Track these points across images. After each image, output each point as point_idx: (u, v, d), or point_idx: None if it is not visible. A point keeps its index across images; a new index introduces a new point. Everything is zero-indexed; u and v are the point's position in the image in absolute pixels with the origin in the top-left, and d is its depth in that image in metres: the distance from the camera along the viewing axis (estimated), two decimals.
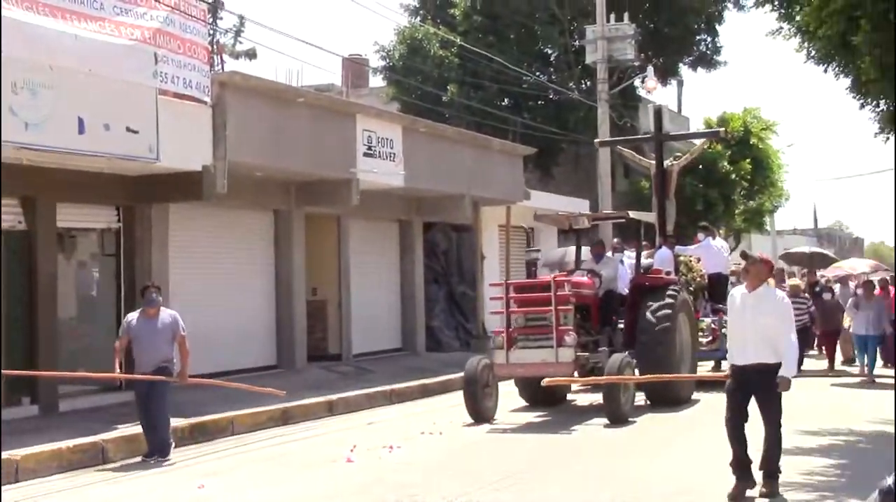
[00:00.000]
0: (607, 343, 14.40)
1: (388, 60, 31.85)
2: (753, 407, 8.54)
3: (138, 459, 11.06)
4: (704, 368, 16.69)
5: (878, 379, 17.41)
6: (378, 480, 9.69)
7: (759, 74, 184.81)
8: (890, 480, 6.23)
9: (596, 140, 22.49)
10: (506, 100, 32.49)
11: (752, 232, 38.48)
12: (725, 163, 31.36)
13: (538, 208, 22.73)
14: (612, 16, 28.03)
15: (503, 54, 29.28)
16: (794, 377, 8.39)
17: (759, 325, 8.32)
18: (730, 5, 33.23)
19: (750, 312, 8.40)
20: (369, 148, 18.14)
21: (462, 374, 13.83)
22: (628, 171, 33.43)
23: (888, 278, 23.18)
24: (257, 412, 13.50)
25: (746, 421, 8.46)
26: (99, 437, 11.27)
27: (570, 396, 15.63)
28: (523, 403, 14.87)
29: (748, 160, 32.09)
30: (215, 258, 16.94)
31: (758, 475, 8.44)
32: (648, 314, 14.31)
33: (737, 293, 8.75)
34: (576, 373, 13.82)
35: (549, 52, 33.77)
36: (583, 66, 30.78)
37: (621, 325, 14.94)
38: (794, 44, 12.75)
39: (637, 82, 31.11)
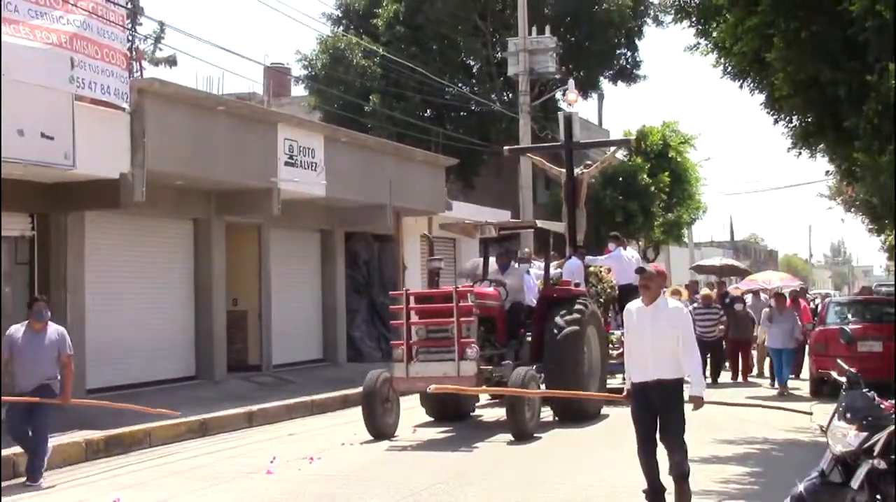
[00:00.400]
0: (514, 356, 13.94)
1: (310, 69, 31.70)
2: None
3: (51, 472, 10.80)
4: (616, 381, 16.55)
5: (792, 392, 17.58)
6: (298, 492, 9.63)
7: (677, 89, 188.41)
8: (801, 487, 6.39)
9: (505, 147, 22.10)
10: (428, 110, 32.56)
11: (671, 243, 39.10)
12: (645, 176, 31.84)
13: (461, 219, 22.78)
14: (534, 29, 28.30)
15: (426, 65, 29.36)
16: (709, 387, 8.40)
17: (659, 340, 7.98)
18: (649, 21, 33.74)
19: (649, 327, 8.05)
20: (291, 157, 18.03)
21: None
22: (549, 183, 33.73)
23: (797, 290, 23.78)
24: (175, 424, 13.28)
25: (657, 446, 8.12)
26: (11, 451, 10.98)
27: (476, 411, 15.25)
28: (428, 418, 14.46)
29: (667, 173, 32.64)
30: (133, 267, 16.66)
31: (668, 480, 8.15)
32: (556, 327, 13.88)
33: (633, 307, 8.34)
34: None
35: (472, 63, 33.94)
36: (505, 78, 31.02)
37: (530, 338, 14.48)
38: (711, 59, 13.05)
39: (558, 95, 31.42)
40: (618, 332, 16.39)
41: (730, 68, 12.94)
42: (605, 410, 14.23)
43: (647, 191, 31.67)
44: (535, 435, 12.62)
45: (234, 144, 16.61)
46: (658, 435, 8.08)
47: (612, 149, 24.40)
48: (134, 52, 20.16)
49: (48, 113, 12.89)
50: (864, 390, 6.44)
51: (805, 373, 18.99)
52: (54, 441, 11.13)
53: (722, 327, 19.71)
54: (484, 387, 13.12)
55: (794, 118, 13.21)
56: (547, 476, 10.17)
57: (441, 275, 17.21)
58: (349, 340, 22.44)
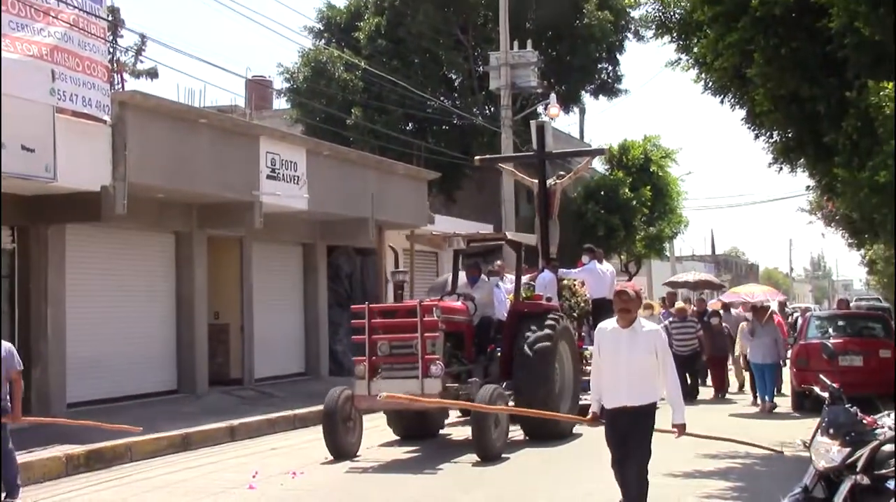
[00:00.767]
0: (482, 373, 13.46)
1: (292, 82, 31.69)
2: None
3: (32, 487, 10.71)
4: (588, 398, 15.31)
5: (776, 409, 17.19)
6: None
7: (659, 103, 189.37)
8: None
9: (476, 157, 21.50)
10: (410, 124, 32.58)
11: (653, 257, 39.21)
12: (627, 190, 31.93)
13: (443, 232, 22.78)
14: (516, 43, 28.40)
15: (407, 79, 29.41)
16: (686, 405, 8.27)
17: (634, 365, 7.63)
18: (630, 36, 33.88)
19: (625, 351, 7.66)
20: (273, 170, 18.00)
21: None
22: (531, 196, 33.79)
23: (776, 304, 23.71)
24: (157, 438, 13.22)
25: None
26: None
27: (444, 429, 14.65)
28: (394, 436, 13.95)
29: (648, 187, 32.74)
30: (114, 280, 16.59)
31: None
32: (526, 343, 13.33)
33: (607, 328, 7.90)
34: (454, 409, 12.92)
35: (454, 77, 33.99)
36: (487, 92, 31.07)
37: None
38: (692, 75, 13.12)
39: (540, 109, 31.52)
40: (591, 348, 15.38)
41: (711, 84, 13.03)
42: (578, 428, 13.54)
43: (628, 206, 31.75)
44: (503, 455, 12.14)
45: (215, 157, 16.58)
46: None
47: (586, 159, 23.62)
48: (115, 65, 20.12)
49: (29, 125, 12.83)
50: (846, 405, 6.47)
51: (786, 387, 18.83)
52: (34, 455, 11.07)
53: (696, 342, 19.21)
54: (440, 401, 12.24)
55: (775, 133, 13.30)
56: (510, 500, 9.99)
57: (413, 290, 16.66)
58: (331, 354, 22.39)
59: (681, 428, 7.87)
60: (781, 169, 13.64)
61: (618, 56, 34.71)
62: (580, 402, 13.93)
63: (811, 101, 11.41)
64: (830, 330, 17.73)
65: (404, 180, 23.44)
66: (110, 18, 17.37)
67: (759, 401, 17.81)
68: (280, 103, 36.30)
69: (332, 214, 20.67)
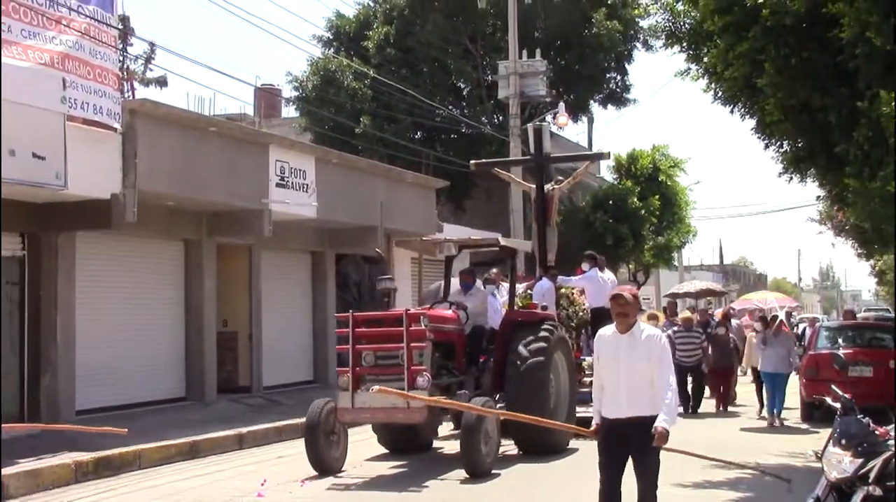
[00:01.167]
0: (473, 385, 12.87)
1: (300, 91, 31.77)
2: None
3: (41, 494, 10.73)
4: (588, 411, 14.01)
5: (786, 422, 16.57)
6: None
7: (667, 113, 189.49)
8: None
9: (472, 161, 21.00)
10: (419, 133, 32.63)
11: (661, 267, 39.16)
12: (635, 199, 31.92)
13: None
14: (525, 52, 28.44)
15: (416, 87, 29.46)
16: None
17: (635, 372, 7.19)
18: (639, 45, 33.91)
19: (625, 357, 7.25)
20: (282, 178, 18.04)
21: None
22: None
23: (782, 313, 23.47)
24: (165, 446, 13.23)
25: (620, 497, 7.25)
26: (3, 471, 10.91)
27: (436, 443, 14.09)
28: (382, 450, 13.42)
29: (657, 196, 32.71)
30: (124, 288, 16.61)
31: None
32: (519, 353, 12.72)
33: (606, 334, 7.50)
34: (447, 421, 12.44)
35: (462, 86, 34.06)
36: (495, 101, 31.13)
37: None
38: (702, 84, 13.07)
39: (548, 118, 31.55)
40: (590, 359, 14.37)
41: (720, 93, 12.98)
42: (574, 443, 12.99)
43: (637, 215, 31.73)
44: (494, 471, 11.55)
45: (225, 165, 16.61)
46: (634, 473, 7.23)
47: (585, 163, 22.10)
48: (125, 73, 20.17)
49: (40, 133, 12.87)
50: (858, 416, 6.45)
51: (790, 399, 18.31)
52: (44, 462, 11.08)
53: (700, 352, 18.47)
54: (431, 399, 11.11)
55: (785, 143, 13.26)
56: None
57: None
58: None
59: (661, 435, 7.01)
60: (791, 179, 13.57)
61: (626, 66, 34.77)
62: (578, 415, 13.40)
63: (822, 111, 11.37)
64: (840, 340, 17.62)
65: (413, 189, 23.46)
66: (121, 27, 17.42)
67: (765, 414, 17.17)
68: (289, 112, 36.47)
69: (341, 222, 20.69)
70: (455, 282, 14.29)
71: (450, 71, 32.34)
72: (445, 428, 14.59)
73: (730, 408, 18.90)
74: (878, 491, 6.00)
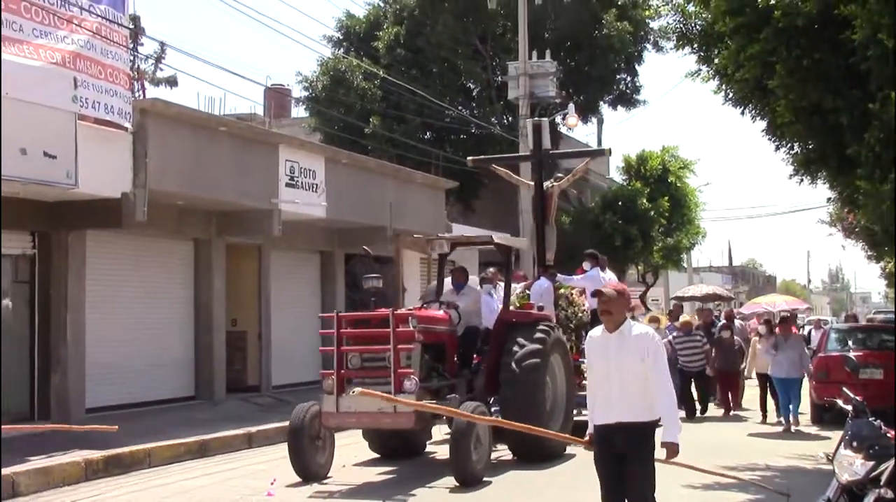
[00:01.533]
0: (465, 388, 12.37)
1: (310, 91, 31.78)
2: None
3: (51, 491, 10.76)
4: (586, 415, 13.09)
5: (798, 427, 16.24)
6: None
7: (677, 114, 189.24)
8: None
9: (469, 158, 20.68)
10: (428, 133, 32.62)
11: (670, 268, 39.11)
12: (644, 201, 31.87)
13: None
14: (535, 53, 28.40)
15: (426, 88, 29.44)
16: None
17: (626, 374, 6.70)
18: (649, 47, 33.85)
19: (614, 358, 6.77)
20: (292, 178, 18.07)
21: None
22: None
23: (789, 315, 23.28)
24: (175, 444, 13.26)
25: (624, 499, 6.79)
26: (10, 470, 10.94)
27: (430, 447, 13.54)
28: (372, 454, 13.02)
29: (666, 198, 32.66)
30: (134, 287, 16.67)
31: None
32: (513, 355, 12.22)
33: (595, 335, 7.04)
34: (437, 426, 12.08)
35: (472, 86, 34.03)
36: (505, 102, 31.09)
37: None
38: (713, 86, 13.05)
39: (558, 119, 31.51)
40: None
41: (731, 95, 12.95)
42: (571, 447, 12.21)
43: (646, 216, 31.68)
44: (485, 478, 11.05)
45: (235, 165, 16.65)
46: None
47: (585, 160, 20.91)
48: (136, 73, 20.22)
49: (51, 132, 12.92)
50: (870, 418, 6.43)
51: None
52: (54, 460, 11.12)
53: (703, 357, 18.13)
54: (417, 403, 10.67)
55: (796, 145, 13.20)
56: None
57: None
58: None
59: (671, 449, 6.70)
60: (802, 180, 13.52)
61: (636, 67, 34.65)
62: (576, 419, 13.07)
63: (833, 113, 11.33)
64: (850, 342, 17.59)
65: (422, 189, 23.48)
66: (132, 26, 17.46)
67: (779, 419, 16.80)
68: (299, 112, 36.49)
69: (350, 222, 20.72)
70: (448, 282, 13.92)
71: (459, 71, 32.32)
72: (441, 431, 13.70)
73: (738, 413, 18.68)
74: (889, 494, 5.99)
